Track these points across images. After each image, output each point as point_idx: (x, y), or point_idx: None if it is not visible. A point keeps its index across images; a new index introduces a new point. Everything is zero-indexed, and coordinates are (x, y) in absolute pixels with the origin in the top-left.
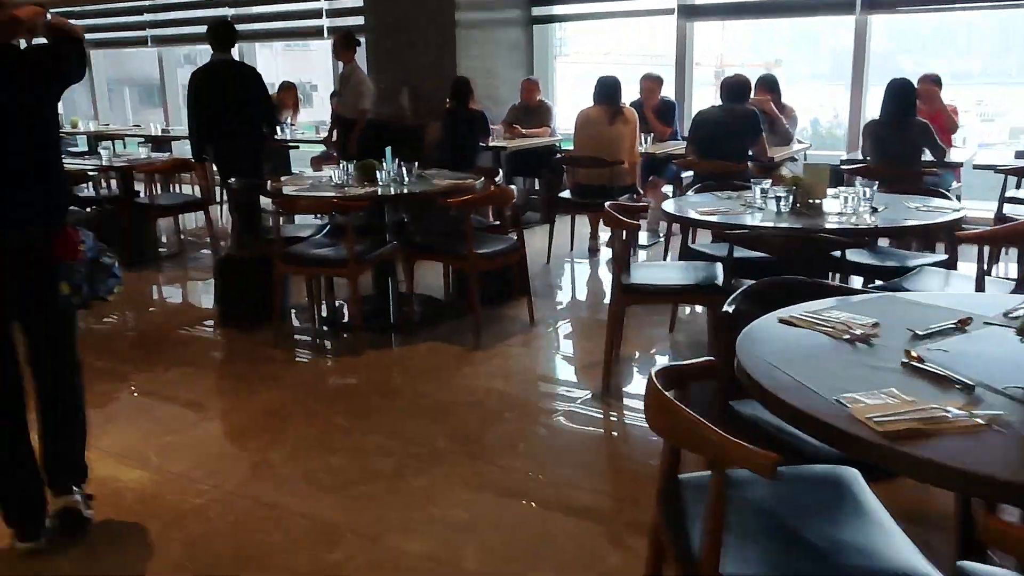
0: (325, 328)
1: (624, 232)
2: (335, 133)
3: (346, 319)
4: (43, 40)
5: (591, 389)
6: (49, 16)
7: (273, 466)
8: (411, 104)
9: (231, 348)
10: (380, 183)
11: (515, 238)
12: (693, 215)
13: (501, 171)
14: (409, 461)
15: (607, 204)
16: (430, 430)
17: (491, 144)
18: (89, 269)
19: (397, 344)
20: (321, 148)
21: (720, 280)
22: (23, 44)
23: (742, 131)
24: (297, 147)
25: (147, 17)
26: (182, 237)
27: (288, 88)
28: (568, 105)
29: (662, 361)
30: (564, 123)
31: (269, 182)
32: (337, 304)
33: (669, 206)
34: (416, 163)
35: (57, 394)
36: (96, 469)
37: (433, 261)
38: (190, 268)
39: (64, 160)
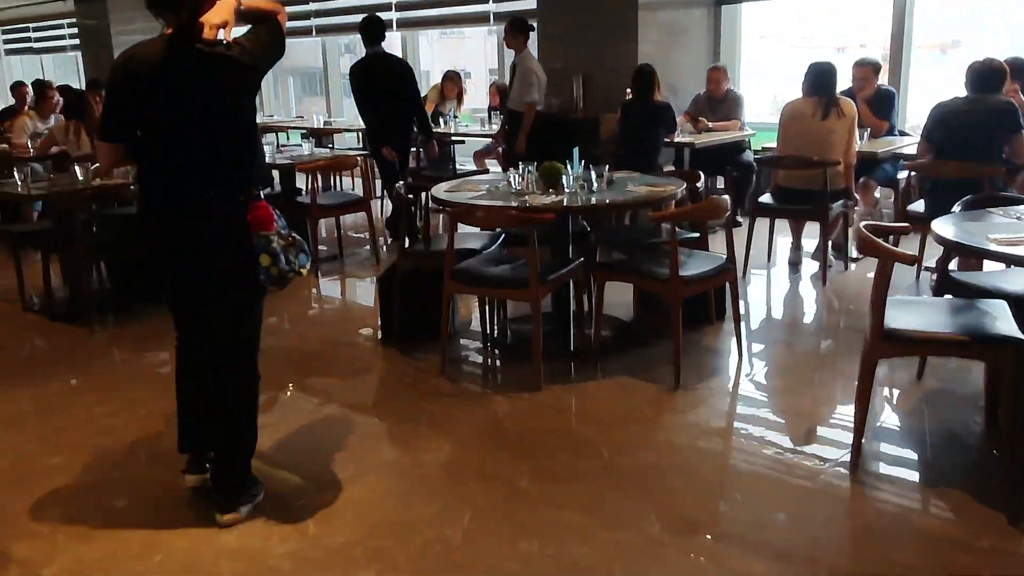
0: (496, 352)
1: (886, 265)
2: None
3: (512, 338)
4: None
5: (835, 456)
6: (242, 4)
7: (450, 547)
8: (582, 95)
9: (393, 374)
10: (566, 189)
11: (724, 258)
12: (995, 248)
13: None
14: (617, 552)
15: (862, 225)
16: (637, 507)
17: (675, 140)
18: (285, 242)
19: (579, 376)
20: (485, 141)
21: (1012, 330)
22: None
23: (996, 127)
24: (463, 141)
25: (312, 6)
26: (341, 235)
27: (451, 78)
28: (756, 96)
29: (921, 422)
30: (752, 115)
31: (439, 187)
32: (508, 324)
33: (945, 230)
34: (607, 166)
35: (233, 381)
36: (243, 538)
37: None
38: (349, 271)
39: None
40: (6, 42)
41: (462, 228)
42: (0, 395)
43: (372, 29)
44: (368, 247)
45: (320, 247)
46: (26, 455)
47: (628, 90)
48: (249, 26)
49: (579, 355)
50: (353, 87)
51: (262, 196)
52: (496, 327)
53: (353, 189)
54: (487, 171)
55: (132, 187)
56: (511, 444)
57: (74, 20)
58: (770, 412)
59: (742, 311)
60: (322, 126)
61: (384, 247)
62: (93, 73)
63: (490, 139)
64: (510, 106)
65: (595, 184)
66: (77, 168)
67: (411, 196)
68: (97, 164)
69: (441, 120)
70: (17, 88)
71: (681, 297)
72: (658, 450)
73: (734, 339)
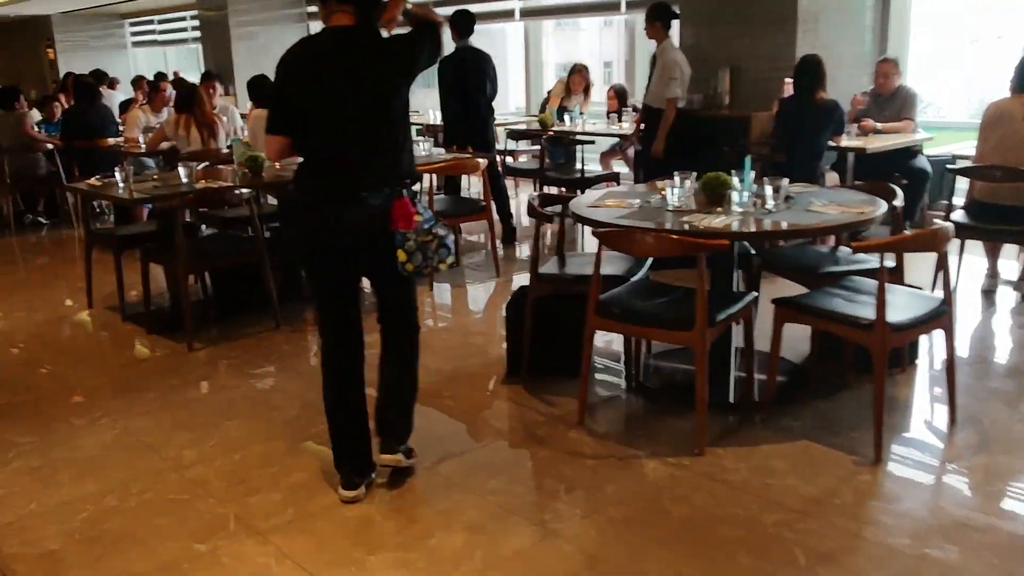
0: (641, 397)
1: None
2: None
3: (656, 378)
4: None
5: None
6: (409, 4)
7: None
8: (728, 89)
9: (522, 423)
10: (735, 207)
11: (935, 297)
12: None
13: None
14: None
15: None
16: None
17: (841, 144)
18: (424, 239)
19: (747, 436)
20: (611, 140)
21: None
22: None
23: None
24: (592, 141)
25: None
26: (459, 242)
27: (579, 70)
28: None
29: None
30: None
31: (580, 201)
32: (652, 360)
33: None
34: (785, 179)
35: (396, 354)
36: None
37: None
38: (466, 282)
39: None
40: (132, 35)
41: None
42: (85, 426)
43: (463, 22)
44: (485, 252)
45: None
46: (98, 514)
47: (787, 84)
48: (409, 29)
49: (743, 407)
50: (440, 81)
51: (404, 194)
52: (638, 363)
53: (469, 190)
54: (616, 176)
55: (237, 192)
56: (674, 534)
57: (195, 12)
58: (1007, 500)
59: (937, 353)
60: (439, 122)
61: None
62: (212, 66)
63: (617, 139)
64: (647, 102)
65: (770, 201)
66: (182, 169)
67: (550, 209)
68: (205, 163)
69: (566, 117)
70: (138, 82)
71: (889, 348)
72: (870, 557)
73: (935, 392)
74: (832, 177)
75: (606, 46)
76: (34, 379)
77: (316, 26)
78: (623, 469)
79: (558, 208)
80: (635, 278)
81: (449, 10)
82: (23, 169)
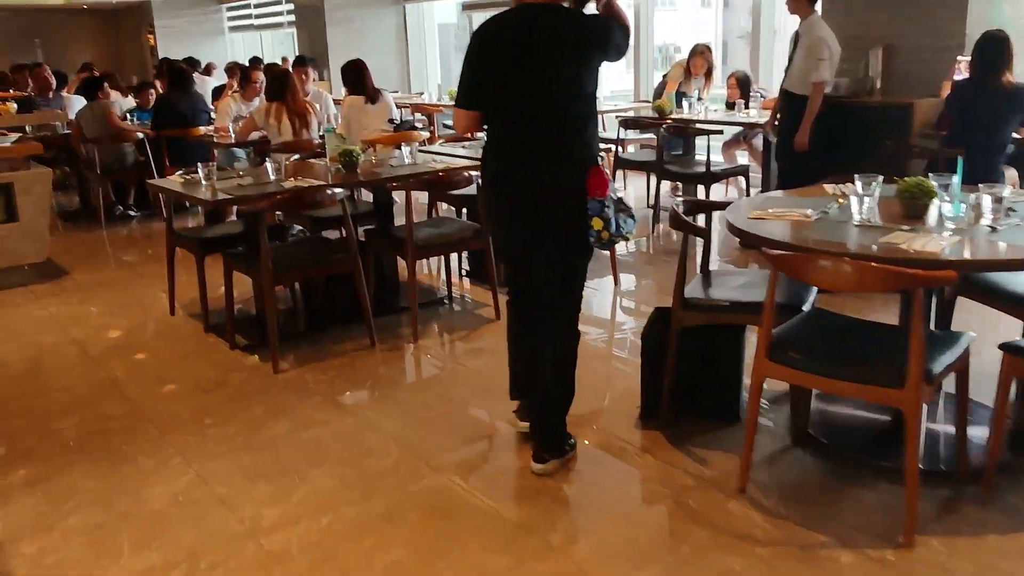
0: (815, 457)
1: None
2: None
3: (822, 428)
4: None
5: None
6: None
7: None
8: (880, 72)
9: (666, 486)
10: (947, 222)
11: None
12: None
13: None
14: None
15: None
16: None
17: None
18: (616, 208)
19: (965, 519)
20: (734, 129)
21: None
22: None
23: None
24: (720, 131)
25: None
26: None
27: (701, 52)
28: None
29: None
30: None
31: (736, 210)
32: (819, 406)
33: None
34: (1008, 187)
35: (554, 335)
36: None
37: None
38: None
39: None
40: (230, 19)
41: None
42: (155, 469)
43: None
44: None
45: None
46: None
47: (960, 64)
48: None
49: (956, 478)
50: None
51: (599, 161)
52: (804, 405)
53: None
54: (745, 170)
55: (329, 192)
56: None
57: None
58: None
59: None
60: None
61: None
62: (307, 50)
63: (740, 127)
64: (787, 87)
65: (989, 214)
66: (269, 165)
67: (693, 217)
68: (296, 156)
69: (685, 103)
70: (231, 68)
71: None
72: None
73: None
74: (1011, 175)
75: (705, 27)
76: (107, 402)
77: (412, 8)
78: (809, 564)
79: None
80: (806, 307)
81: None
82: (111, 159)
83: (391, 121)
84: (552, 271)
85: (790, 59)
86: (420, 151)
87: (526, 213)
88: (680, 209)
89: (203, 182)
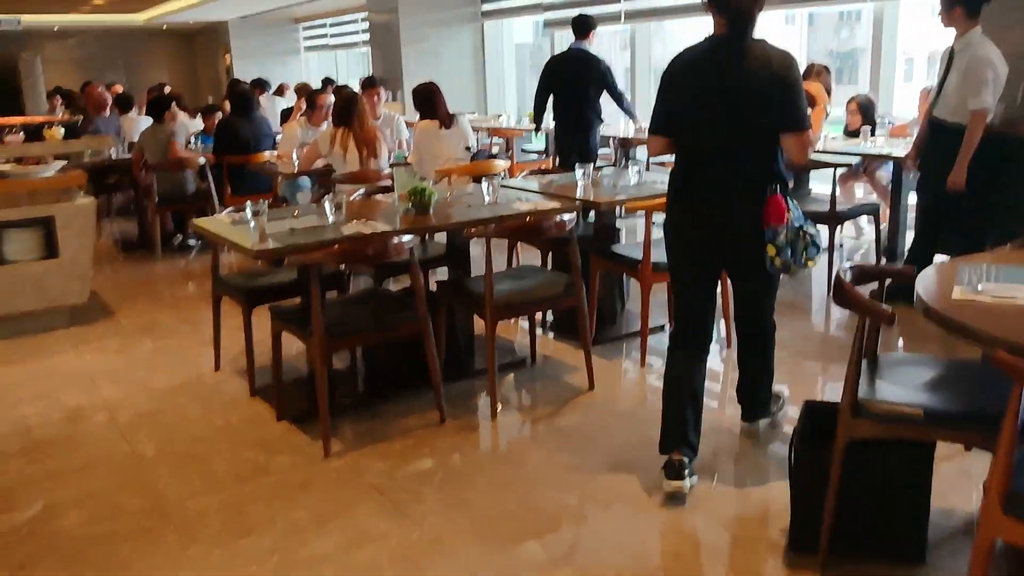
0: None
1: None
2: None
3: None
4: None
5: None
6: None
7: None
8: None
9: None
10: None
11: None
12: None
13: None
14: None
15: None
16: None
17: None
18: (794, 236)
19: None
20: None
21: None
22: None
23: None
24: (849, 164)
25: None
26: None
27: (819, 72)
28: None
29: None
30: None
31: (927, 282)
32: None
33: None
34: None
35: (753, 345)
36: None
37: None
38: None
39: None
40: (305, 39)
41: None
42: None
43: (579, 24)
44: None
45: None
46: None
47: None
48: None
49: None
50: (543, 83)
51: (779, 191)
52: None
53: None
54: (875, 209)
55: (396, 240)
56: None
57: (365, 14)
58: None
59: None
60: (633, 134)
61: None
62: (380, 70)
63: (859, 157)
64: (939, 115)
65: None
66: (327, 205)
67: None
68: (361, 191)
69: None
70: (301, 89)
71: None
72: None
73: None
74: None
75: (785, 46)
76: (127, 490)
77: (491, 27)
78: None
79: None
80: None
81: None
82: (170, 187)
83: (467, 149)
84: (749, 288)
85: (941, 82)
86: (502, 185)
87: (711, 236)
88: (847, 277)
89: (251, 223)
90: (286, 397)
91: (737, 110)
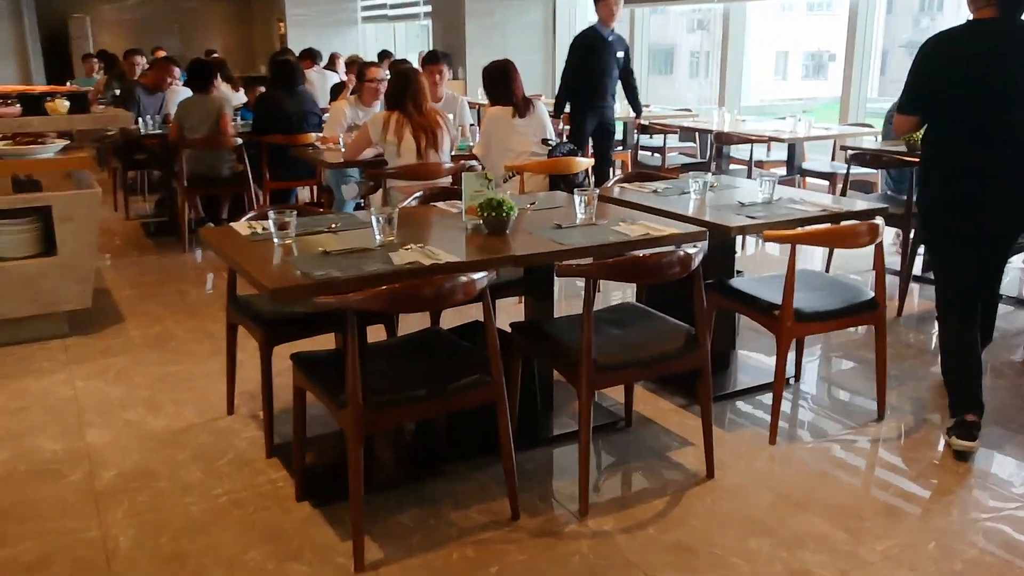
0: None
1: None
2: None
3: None
4: None
5: None
6: None
7: None
8: None
9: None
10: None
11: None
12: None
13: None
14: None
15: None
16: None
17: None
18: None
19: None
20: None
21: None
22: None
23: None
24: None
25: None
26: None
27: None
28: None
29: None
30: None
31: None
32: None
33: None
34: None
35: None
36: None
37: None
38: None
39: None
40: (363, 8)
41: None
42: None
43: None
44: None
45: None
46: None
47: None
48: None
49: None
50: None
51: None
52: None
53: None
54: None
55: (465, 279)
56: None
57: None
58: None
59: None
60: (728, 128)
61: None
62: (442, 44)
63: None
64: None
65: None
66: (375, 220)
67: None
68: (419, 193)
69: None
70: (352, 63)
71: None
72: None
73: None
74: None
75: (816, 33)
76: None
77: (562, 3)
78: None
79: None
80: None
81: None
82: (203, 168)
83: (545, 141)
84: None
85: None
86: (601, 199)
87: (1002, 209)
88: None
89: (275, 239)
90: (309, 468)
91: (1010, 89)
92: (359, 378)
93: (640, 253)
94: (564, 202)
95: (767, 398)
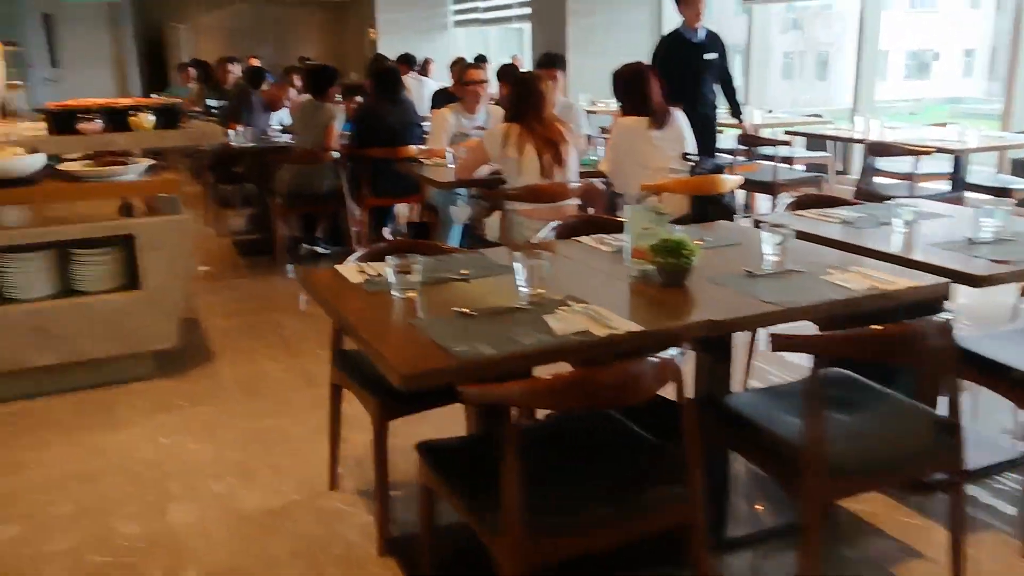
0: None
1: None
2: None
3: None
4: None
5: None
6: None
7: None
8: None
9: None
10: None
11: None
12: None
13: None
14: None
15: None
16: None
17: None
18: None
19: None
20: None
21: None
22: None
23: None
24: None
25: None
26: None
27: None
28: None
29: None
30: None
31: None
32: None
33: None
34: None
35: None
36: None
37: None
38: None
39: None
40: (455, 12)
41: None
42: None
43: None
44: None
45: None
46: None
47: None
48: None
49: None
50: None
51: None
52: None
53: None
54: None
55: (663, 359)
56: None
57: None
58: None
59: None
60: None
61: None
62: (541, 47)
63: None
64: None
65: None
66: (521, 265)
67: None
68: (554, 221)
69: None
70: (454, 65)
71: None
72: None
73: None
74: None
75: (968, 30)
76: None
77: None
78: None
79: None
80: None
81: None
82: (300, 182)
83: (686, 156)
84: None
85: None
86: (799, 234)
87: None
88: None
89: (395, 291)
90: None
91: None
92: (521, 502)
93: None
94: (739, 236)
95: (1009, 482)
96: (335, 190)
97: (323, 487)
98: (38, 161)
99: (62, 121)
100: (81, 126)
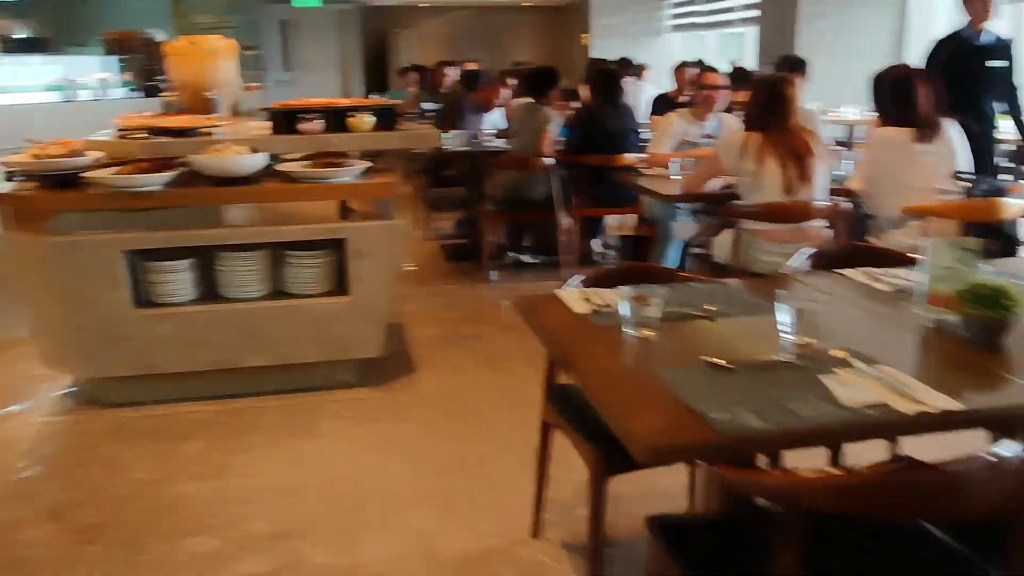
0: None
1: None
2: None
3: None
4: None
5: None
6: None
7: None
8: None
9: None
10: None
11: None
12: None
13: None
14: None
15: None
16: None
17: None
18: None
19: None
20: None
21: None
22: None
23: None
24: None
25: None
26: None
27: None
28: None
29: None
30: None
31: None
32: None
33: None
34: None
35: None
36: None
37: None
38: None
39: None
40: (673, 16)
41: None
42: None
43: None
44: None
45: None
46: None
47: None
48: None
49: None
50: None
51: None
52: None
53: None
54: None
55: (1005, 457)
56: None
57: None
58: None
59: None
60: None
61: None
62: (768, 49)
63: None
64: None
65: None
66: (785, 312)
67: None
68: (806, 245)
69: None
70: (679, 71)
71: None
72: None
73: None
74: None
75: None
76: None
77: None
78: None
79: None
80: None
81: None
82: (514, 189)
83: (958, 176)
84: None
85: None
86: None
87: None
88: None
89: (627, 327)
90: None
91: None
92: None
93: None
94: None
95: None
96: (547, 198)
97: (524, 533)
98: (259, 161)
99: (284, 120)
100: (301, 126)
